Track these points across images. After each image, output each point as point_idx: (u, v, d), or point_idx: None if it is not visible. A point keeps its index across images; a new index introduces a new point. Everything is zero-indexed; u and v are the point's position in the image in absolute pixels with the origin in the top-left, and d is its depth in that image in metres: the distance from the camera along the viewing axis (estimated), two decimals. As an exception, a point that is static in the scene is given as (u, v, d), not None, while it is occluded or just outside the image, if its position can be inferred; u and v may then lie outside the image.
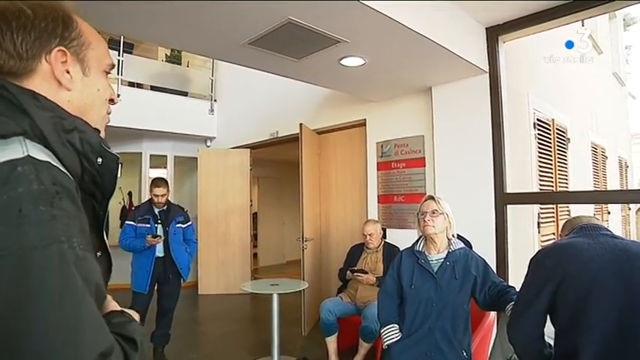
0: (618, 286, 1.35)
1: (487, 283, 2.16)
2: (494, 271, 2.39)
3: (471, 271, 2.17)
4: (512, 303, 1.91)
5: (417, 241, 2.35)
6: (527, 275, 1.60)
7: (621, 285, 1.35)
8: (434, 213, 2.24)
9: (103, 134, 0.79)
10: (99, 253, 0.71)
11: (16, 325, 0.49)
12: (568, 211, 4.64)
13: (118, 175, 0.73)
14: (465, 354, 2.14)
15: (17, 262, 0.51)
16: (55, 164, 0.61)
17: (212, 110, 7.06)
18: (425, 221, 2.24)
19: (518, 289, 2.03)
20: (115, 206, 7.33)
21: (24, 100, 0.64)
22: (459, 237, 2.34)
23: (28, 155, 0.58)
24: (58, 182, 0.59)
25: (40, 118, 0.63)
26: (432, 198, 2.34)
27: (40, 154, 0.60)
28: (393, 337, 2.24)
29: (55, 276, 0.52)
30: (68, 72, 0.72)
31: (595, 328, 1.35)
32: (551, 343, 1.57)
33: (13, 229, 0.52)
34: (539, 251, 1.63)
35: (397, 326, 2.26)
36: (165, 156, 7.10)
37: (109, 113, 0.82)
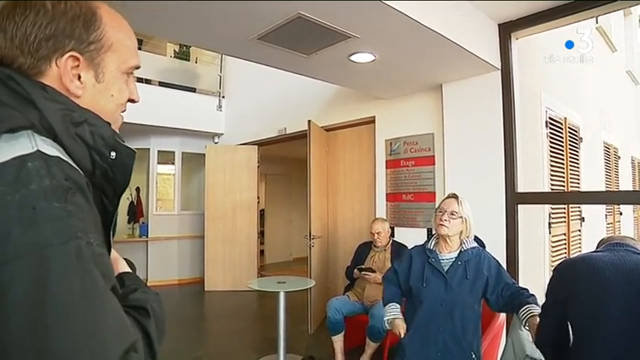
0: (630, 296, 1.35)
1: (500, 285, 2.10)
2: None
3: (483, 272, 2.12)
4: (527, 306, 1.89)
5: (429, 239, 2.31)
6: (548, 283, 1.66)
7: (634, 295, 1.35)
8: (452, 214, 2.17)
9: None
10: None
11: (38, 326, 0.48)
12: (580, 211, 4.57)
13: (132, 168, 0.70)
14: (474, 356, 2.10)
15: (35, 262, 0.49)
16: (65, 159, 0.59)
17: (220, 107, 7.06)
18: (441, 220, 2.17)
19: (531, 292, 2.03)
20: (122, 202, 7.35)
21: (32, 92, 0.61)
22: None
23: (38, 150, 0.56)
24: (69, 177, 0.57)
25: (49, 110, 0.61)
26: (455, 197, 2.24)
27: (50, 148, 0.58)
28: (393, 314, 2.27)
29: (75, 274, 0.51)
30: (80, 77, 0.68)
31: (606, 332, 1.37)
32: None
33: (29, 228, 0.50)
34: (562, 261, 1.70)
35: (398, 305, 2.31)
36: (173, 152, 7.12)
37: (124, 111, 0.78)
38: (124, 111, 0.79)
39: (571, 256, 1.85)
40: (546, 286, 1.66)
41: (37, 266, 0.49)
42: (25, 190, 0.52)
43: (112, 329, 0.52)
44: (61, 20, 0.65)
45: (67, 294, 0.50)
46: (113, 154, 0.66)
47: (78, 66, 0.68)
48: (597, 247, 1.67)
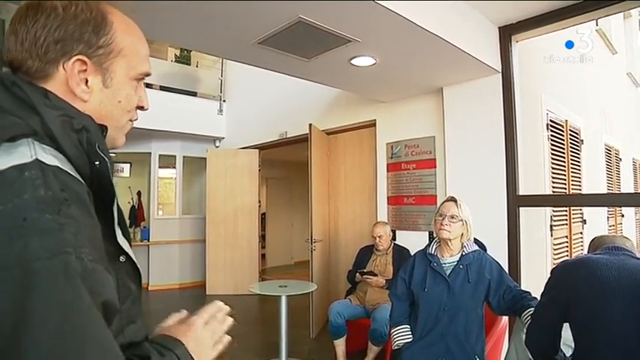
0: (632, 299, 1.36)
1: (502, 287, 2.10)
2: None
3: (485, 275, 2.12)
4: (529, 310, 1.88)
5: (430, 243, 2.30)
6: (545, 284, 1.66)
7: (635, 298, 1.36)
8: (452, 218, 2.17)
9: (122, 141, 0.76)
10: (122, 258, 0.67)
11: (20, 339, 0.47)
12: (581, 213, 4.56)
13: (112, 178, 0.68)
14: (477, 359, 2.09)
15: (19, 276, 0.48)
16: (64, 168, 0.58)
17: (221, 110, 7.07)
18: (442, 224, 2.17)
19: (533, 295, 2.03)
20: (124, 206, 7.35)
21: (35, 97, 0.61)
22: (474, 240, 2.28)
23: (37, 159, 0.55)
24: (67, 188, 0.56)
25: (49, 116, 0.60)
26: (453, 200, 2.24)
27: (49, 157, 0.57)
28: (404, 338, 2.20)
29: (58, 291, 0.49)
30: (87, 81, 0.68)
31: (609, 335, 1.39)
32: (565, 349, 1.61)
33: (17, 240, 0.49)
34: (560, 263, 1.70)
35: (408, 327, 2.23)
36: (174, 156, 7.12)
37: (135, 120, 0.78)
38: (136, 119, 0.78)
39: (569, 259, 1.86)
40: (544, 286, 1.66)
41: (20, 281, 0.48)
42: (18, 200, 0.51)
43: (94, 347, 0.51)
44: (70, 24, 0.65)
45: (46, 314, 0.48)
46: (97, 162, 0.65)
47: (85, 70, 0.67)
48: (590, 248, 1.67)
